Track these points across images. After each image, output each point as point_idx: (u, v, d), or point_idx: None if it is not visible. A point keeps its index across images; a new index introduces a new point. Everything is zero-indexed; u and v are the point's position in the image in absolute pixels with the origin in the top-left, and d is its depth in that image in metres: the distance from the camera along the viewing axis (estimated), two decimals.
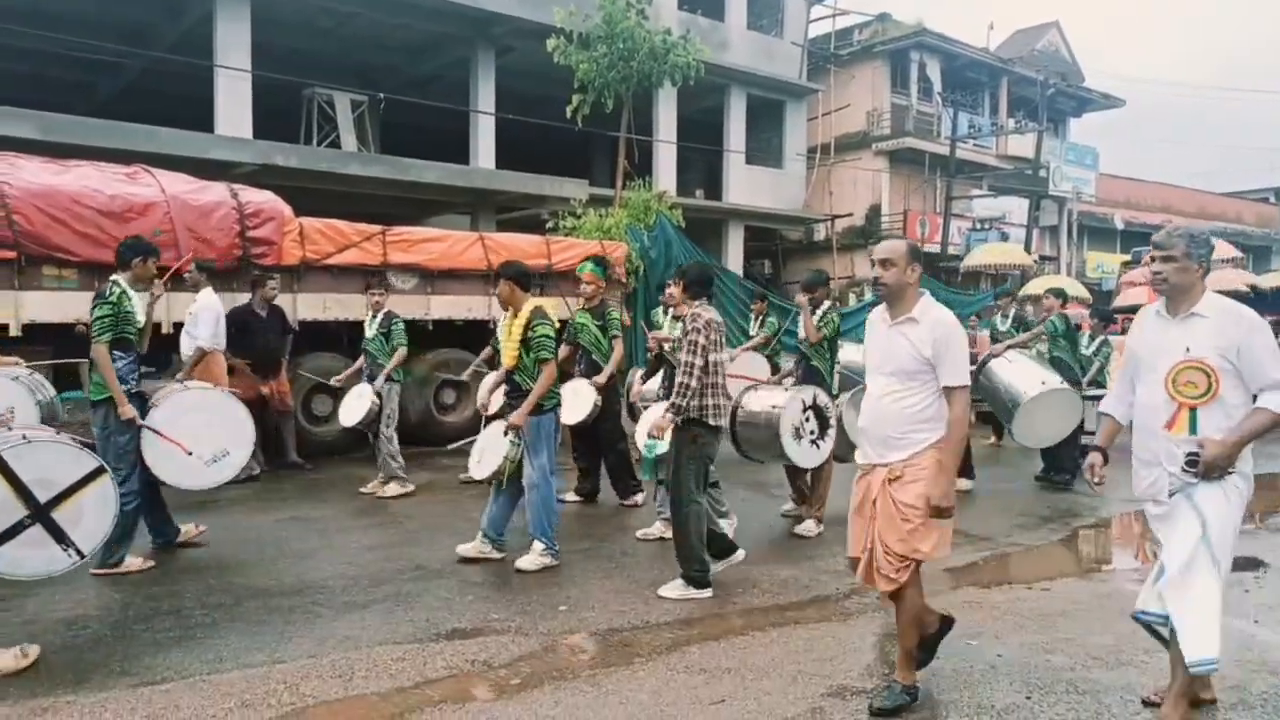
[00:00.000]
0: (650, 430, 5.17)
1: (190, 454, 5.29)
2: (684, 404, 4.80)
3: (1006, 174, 26.18)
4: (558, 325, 5.60)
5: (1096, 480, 3.54)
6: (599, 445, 7.17)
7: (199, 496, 7.18)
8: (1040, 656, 4.09)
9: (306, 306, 8.60)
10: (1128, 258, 25.20)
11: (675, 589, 4.90)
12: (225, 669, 3.84)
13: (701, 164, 23.61)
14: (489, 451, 5.53)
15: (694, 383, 4.78)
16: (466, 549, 5.51)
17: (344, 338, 8.90)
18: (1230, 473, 3.20)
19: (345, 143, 16.60)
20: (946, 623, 3.77)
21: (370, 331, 7.44)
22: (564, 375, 6.71)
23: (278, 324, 8.23)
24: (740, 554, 5.20)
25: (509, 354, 5.42)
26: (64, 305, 7.33)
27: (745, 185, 23.01)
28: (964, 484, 8.00)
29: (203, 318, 7.20)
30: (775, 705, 3.54)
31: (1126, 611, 4.75)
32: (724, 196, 22.76)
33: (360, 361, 7.58)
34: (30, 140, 10.72)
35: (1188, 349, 3.23)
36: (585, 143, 20.34)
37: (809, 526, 6.37)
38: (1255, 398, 3.24)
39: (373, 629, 4.34)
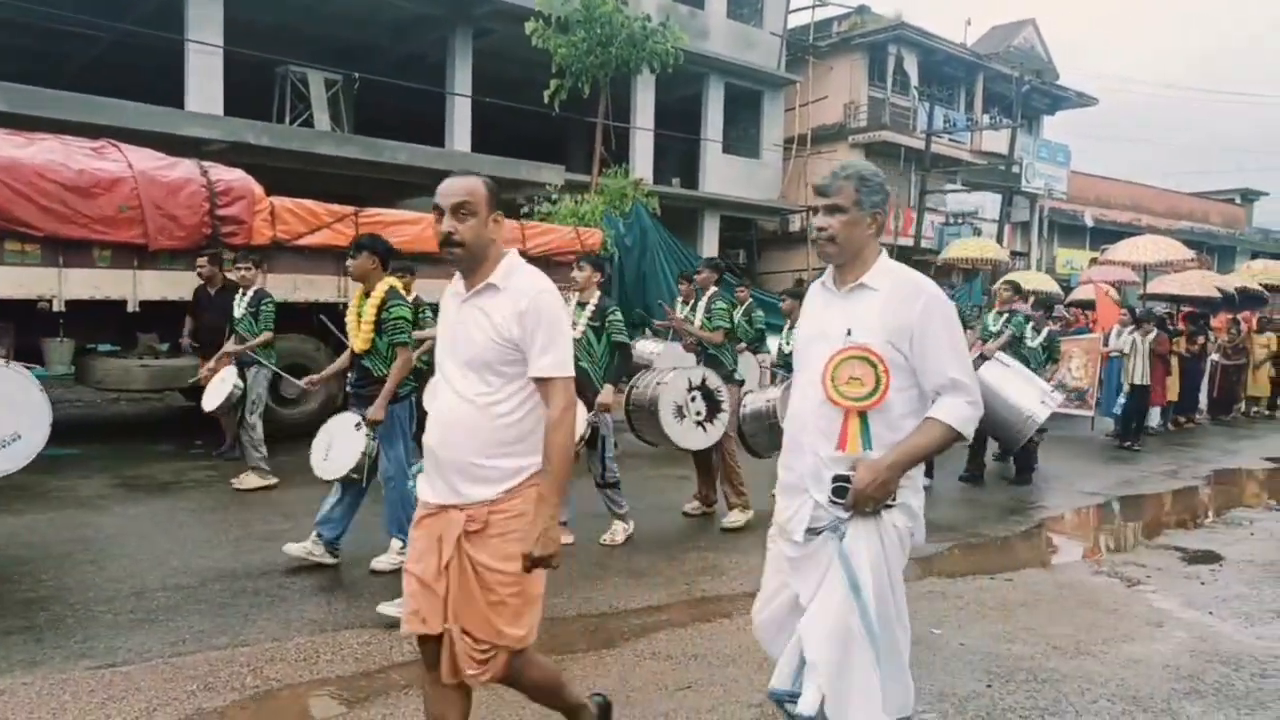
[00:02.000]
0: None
1: None
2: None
3: (980, 169, 26.40)
4: (413, 309, 5.24)
5: None
6: None
7: (162, 477, 7.11)
8: (1001, 645, 4.16)
9: (276, 287, 8.47)
10: (1097, 254, 25.55)
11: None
12: (187, 651, 3.80)
13: (678, 152, 23.58)
14: (337, 447, 5.04)
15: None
16: (294, 549, 5.01)
17: (314, 319, 8.78)
18: (890, 506, 2.37)
19: (318, 122, 16.39)
20: (604, 711, 2.91)
21: (239, 311, 6.92)
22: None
23: (227, 303, 7.55)
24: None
25: (362, 338, 4.92)
26: (27, 281, 7.20)
27: (722, 174, 23.02)
28: (923, 481, 7.95)
29: None
30: (741, 692, 3.56)
31: (1086, 603, 4.87)
32: (700, 185, 22.75)
33: (231, 341, 7.05)
34: None
35: (849, 331, 2.37)
36: (562, 128, 20.23)
37: (735, 517, 6.24)
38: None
39: (339, 613, 4.32)
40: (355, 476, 4.97)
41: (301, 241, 8.56)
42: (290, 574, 4.87)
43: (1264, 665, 4.02)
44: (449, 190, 2.45)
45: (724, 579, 5.08)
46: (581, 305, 5.59)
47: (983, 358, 7.89)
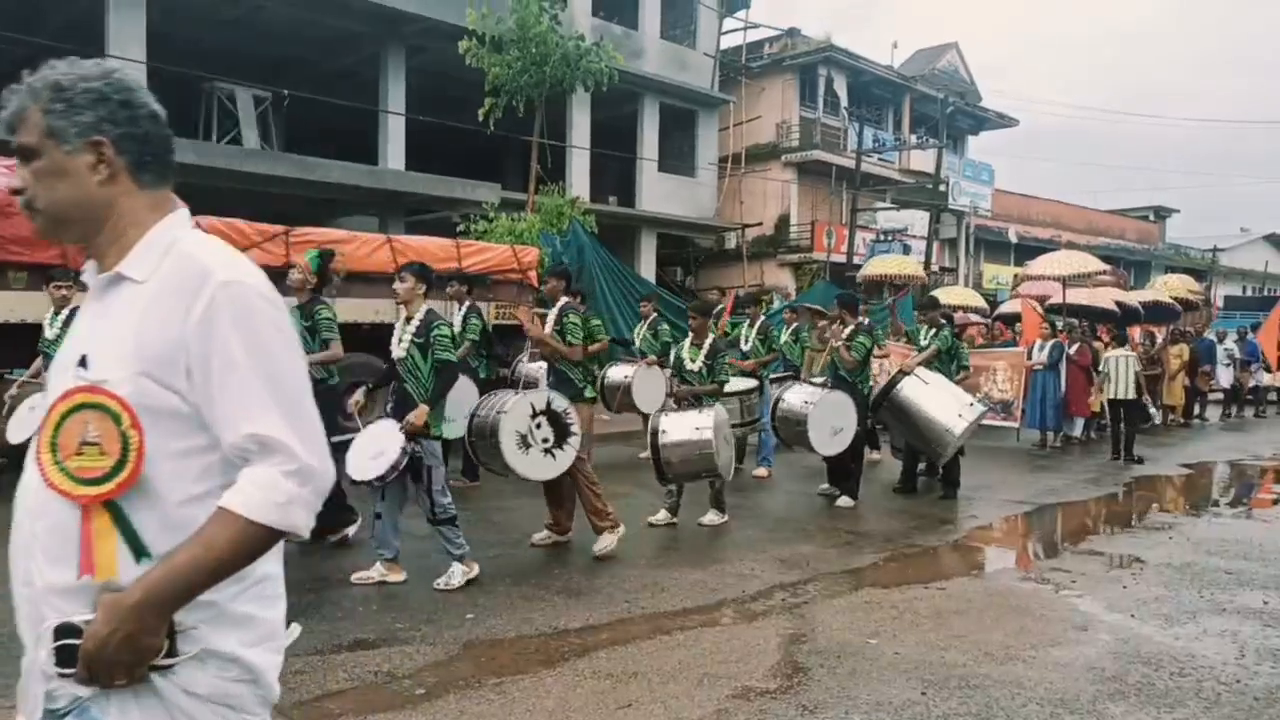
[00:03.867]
0: None
1: None
2: None
3: (909, 188, 27.10)
4: None
5: None
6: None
7: None
8: (935, 653, 4.24)
9: None
10: (1020, 270, 26.34)
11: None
12: None
13: (615, 171, 23.71)
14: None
15: None
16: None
17: None
18: (165, 667, 1.31)
19: (247, 139, 16.08)
20: None
21: (51, 332, 6.29)
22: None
23: None
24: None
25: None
26: None
27: (658, 193, 23.20)
28: (845, 502, 7.70)
29: None
30: (681, 708, 3.57)
31: (1015, 609, 5.01)
32: (637, 203, 22.90)
33: (38, 364, 6.58)
34: None
35: (84, 359, 1.35)
36: (498, 146, 20.17)
37: (606, 541, 5.82)
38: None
39: None
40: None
41: None
42: None
43: (1182, 664, 4.18)
44: None
45: (664, 595, 5.09)
46: (408, 320, 5.13)
47: (901, 373, 8.01)
